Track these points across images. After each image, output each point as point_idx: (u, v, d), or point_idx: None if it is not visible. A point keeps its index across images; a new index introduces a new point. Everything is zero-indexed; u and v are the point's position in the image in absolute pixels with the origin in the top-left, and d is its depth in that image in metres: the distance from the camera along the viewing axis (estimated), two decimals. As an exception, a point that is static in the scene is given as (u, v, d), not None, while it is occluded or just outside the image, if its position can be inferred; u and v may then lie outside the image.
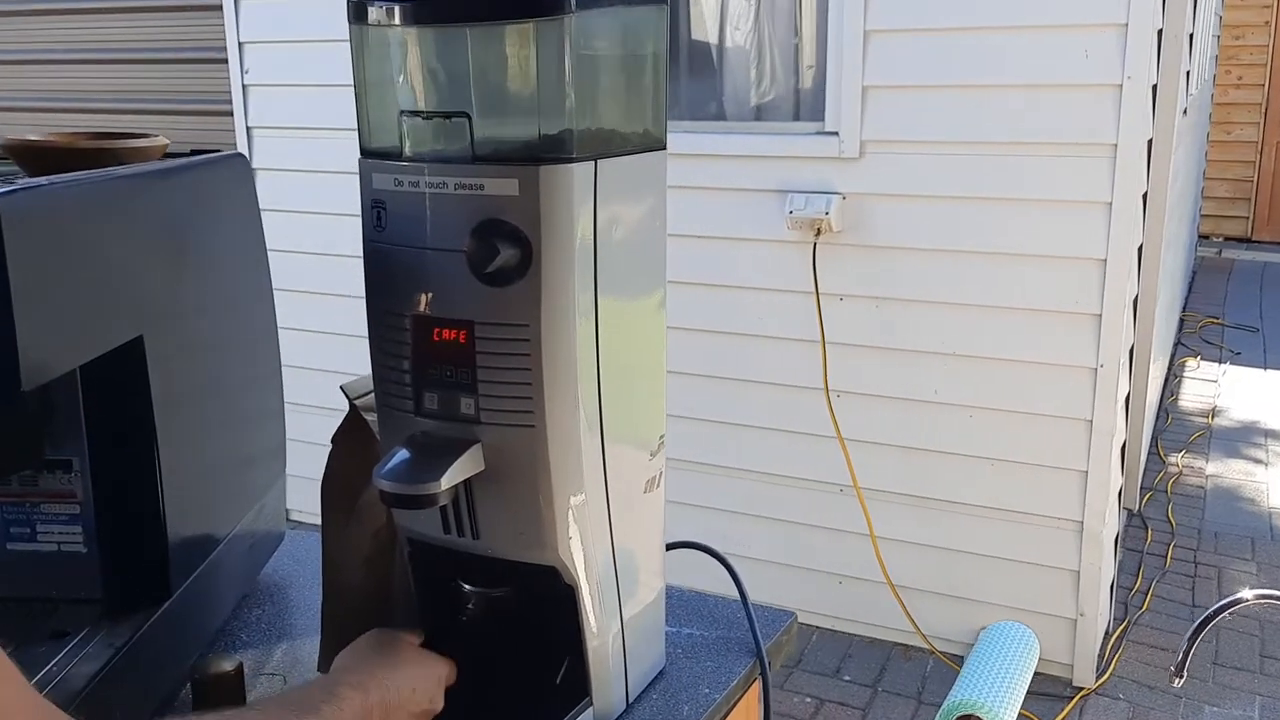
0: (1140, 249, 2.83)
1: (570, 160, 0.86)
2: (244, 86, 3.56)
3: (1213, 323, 6.55)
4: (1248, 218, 8.69)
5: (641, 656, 1.07)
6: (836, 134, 2.88)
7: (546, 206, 0.85)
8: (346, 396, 1.03)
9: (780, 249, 3.00)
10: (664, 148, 1.00)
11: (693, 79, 3.23)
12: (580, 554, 0.95)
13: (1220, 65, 7.80)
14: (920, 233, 2.85)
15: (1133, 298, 2.80)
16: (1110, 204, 2.63)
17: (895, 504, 3.05)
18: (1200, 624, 1.09)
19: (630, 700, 1.05)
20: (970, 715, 1.18)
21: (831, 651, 3.15)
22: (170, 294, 1.02)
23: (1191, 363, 5.85)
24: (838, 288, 2.96)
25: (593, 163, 0.88)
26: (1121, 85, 2.56)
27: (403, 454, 0.92)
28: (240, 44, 3.60)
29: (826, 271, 2.95)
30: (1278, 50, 8.31)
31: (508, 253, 0.86)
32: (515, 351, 0.88)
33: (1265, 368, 5.82)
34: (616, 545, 0.99)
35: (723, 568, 1.25)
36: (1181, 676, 1.15)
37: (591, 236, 0.89)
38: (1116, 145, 2.59)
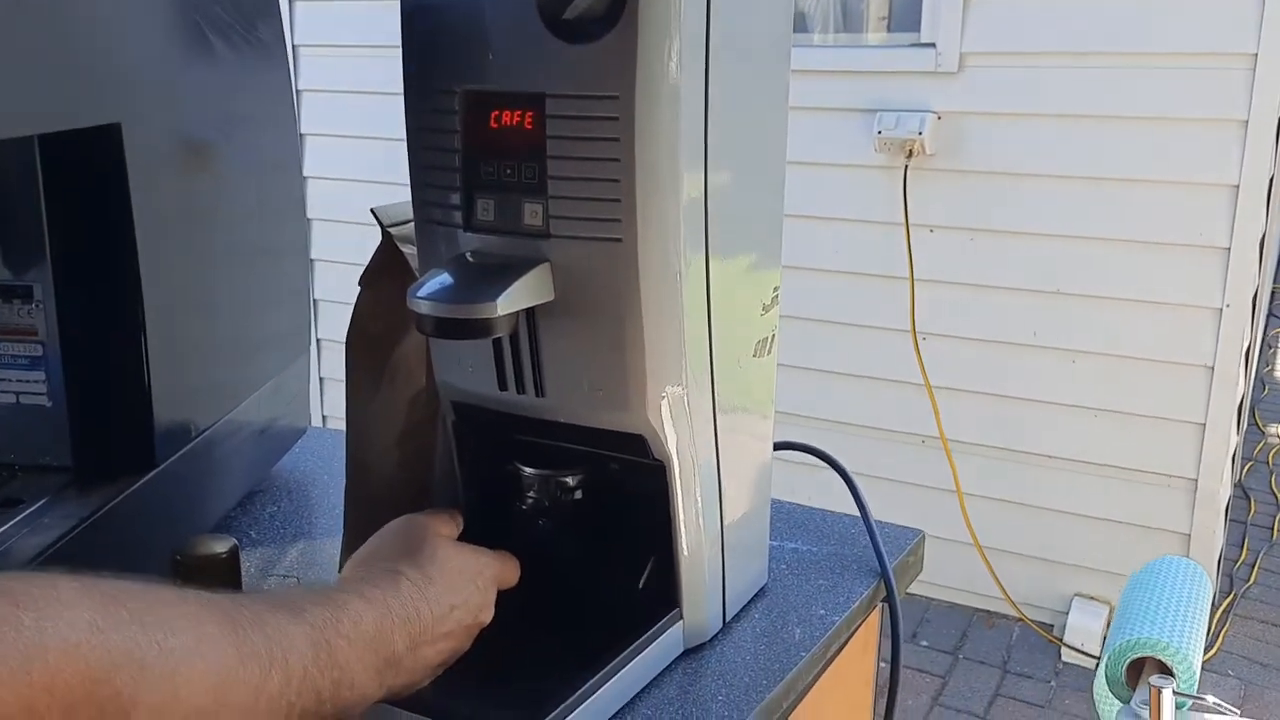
0: (1272, 179, 2.53)
1: None
2: (290, 1, 3.36)
3: (1309, 294, 6.15)
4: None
5: (743, 563, 0.85)
6: (933, 45, 2.61)
7: (647, -72, 0.63)
8: (379, 222, 0.81)
9: (866, 174, 2.74)
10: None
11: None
12: (674, 419, 0.72)
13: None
14: (1024, 155, 2.58)
15: (1262, 234, 2.51)
16: (1246, 122, 2.34)
17: (985, 457, 2.80)
18: None
19: (728, 618, 0.83)
20: (1149, 659, 0.94)
21: (908, 614, 2.92)
22: (160, 84, 0.81)
23: (1287, 332, 5.49)
24: (929, 217, 2.70)
25: (709, -125, 0.65)
26: (1264, -14, 2.27)
27: (446, 275, 0.70)
28: (289, -42, 3.40)
29: (917, 199, 2.69)
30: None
31: (593, -8, 0.64)
32: (599, 135, 0.66)
33: (1369, 339, 5.45)
34: (719, 413, 0.76)
35: (839, 480, 1.03)
36: None
37: (706, -24, 0.66)
38: (1257, 55, 2.30)
